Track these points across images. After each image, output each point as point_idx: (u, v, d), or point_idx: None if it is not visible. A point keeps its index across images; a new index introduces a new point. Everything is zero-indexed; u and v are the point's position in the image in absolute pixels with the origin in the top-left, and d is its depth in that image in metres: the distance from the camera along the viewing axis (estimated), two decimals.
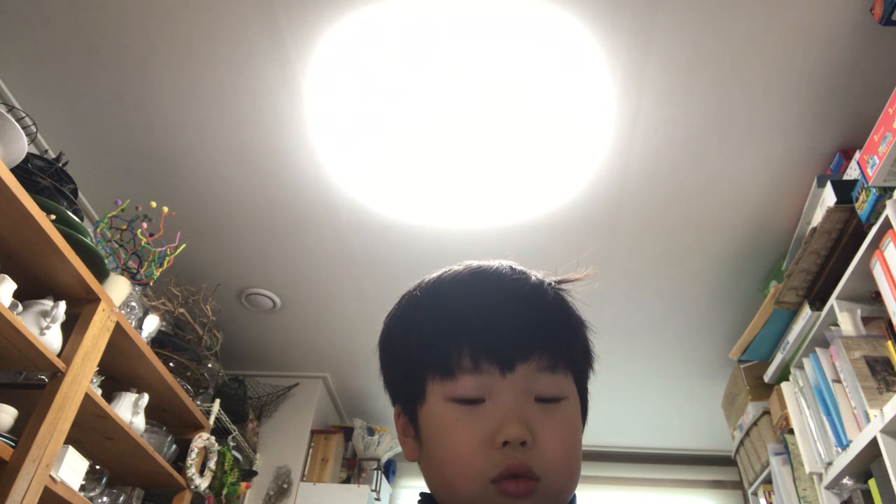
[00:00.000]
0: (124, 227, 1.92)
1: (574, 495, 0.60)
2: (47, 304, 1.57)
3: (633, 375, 2.96)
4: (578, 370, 0.62)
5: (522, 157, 1.97)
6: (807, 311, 1.85)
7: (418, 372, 0.60)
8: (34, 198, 1.48)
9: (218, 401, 2.52)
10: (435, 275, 0.65)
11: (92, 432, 1.82)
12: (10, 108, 1.78)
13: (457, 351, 0.58)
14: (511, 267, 0.63)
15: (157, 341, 2.19)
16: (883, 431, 1.44)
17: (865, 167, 1.47)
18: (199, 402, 2.40)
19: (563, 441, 0.57)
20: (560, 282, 0.64)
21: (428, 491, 0.61)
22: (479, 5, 1.58)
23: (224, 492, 2.47)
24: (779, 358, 2.07)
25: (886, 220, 1.45)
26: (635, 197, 2.07)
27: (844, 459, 1.61)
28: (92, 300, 1.69)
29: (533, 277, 0.62)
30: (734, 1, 1.54)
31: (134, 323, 2.00)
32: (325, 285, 2.57)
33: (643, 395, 3.12)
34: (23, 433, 1.46)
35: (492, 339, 0.58)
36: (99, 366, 1.71)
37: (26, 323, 1.48)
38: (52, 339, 1.55)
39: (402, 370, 0.64)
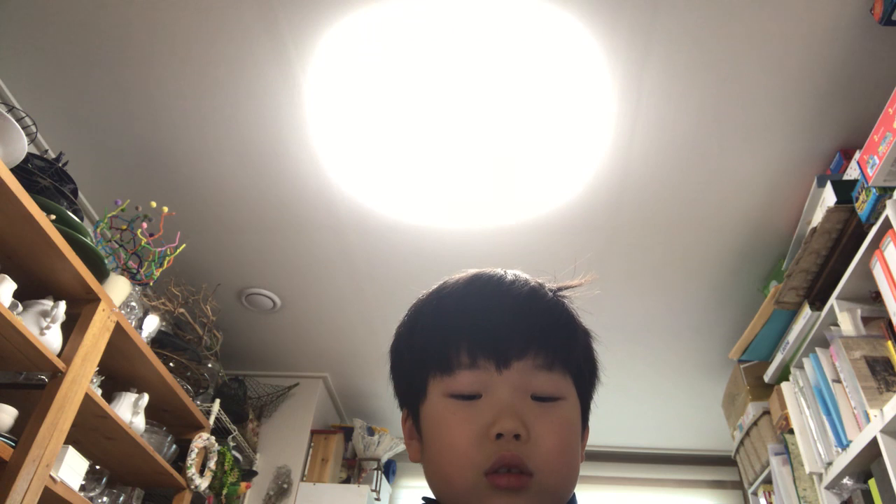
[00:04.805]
0: (124, 227, 1.92)
1: (574, 495, 0.60)
2: (47, 304, 1.57)
3: (633, 375, 2.96)
4: (578, 373, 0.63)
5: (522, 157, 1.97)
6: (807, 311, 1.85)
7: (420, 371, 0.62)
8: (34, 198, 1.48)
9: (218, 401, 2.52)
10: (440, 282, 0.67)
11: (92, 432, 1.82)
12: (10, 108, 1.78)
13: (455, 347, 0.59)
14: (512, 273, 0.65)
15: (157, 341, 2.20)
16: (883, 431, 1.44)
17: (865, 167, 1.47)
18: (199, 402, 2.40)
19: (558, 438, 0.57)
20: (560, 288, 0.66)
21: (430, 495, 0.61)
22: (479, 5, 1.58)
23: (224, 492, 2.47)
24: (779, 358, 2.07)
25: (886, 220, 1.45)
26: (635, 197, 2.07)
27: (844, 459, 1.61)
28: (92, 300, 1.69)
29: (532, 282, 0.64)
30: (734, 1, 1.54)
31: (134, 323, 2.00)
32: (325, 285, 2.57)
33: (643, 395, 3.13)
34: (23, 433, 1.47)
35: (488, 335, 0.59)
36: (99, 366, 1.71)
37: (26, 323, 1.48)
38: (52, 339, 1.55)
39: (406, 371, 0.66)
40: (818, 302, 1.82)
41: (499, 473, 0.55)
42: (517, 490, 0.54)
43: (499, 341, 0.59)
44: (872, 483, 1.55)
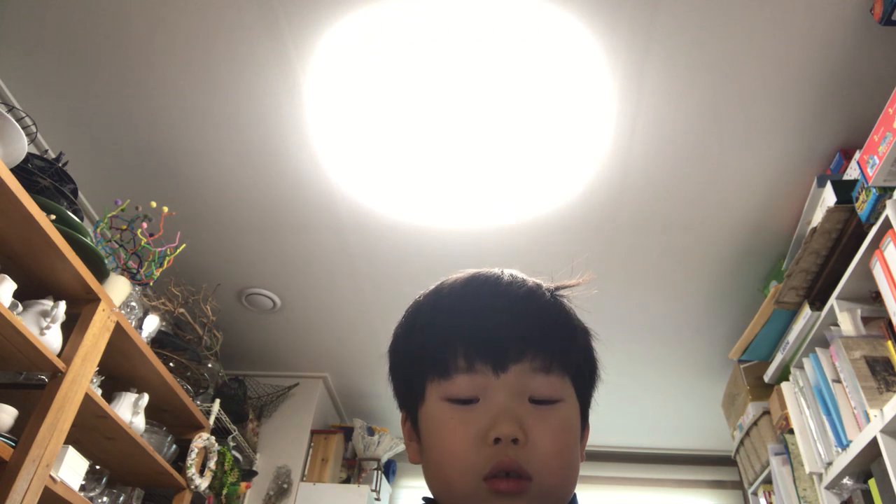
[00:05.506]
0: (124, 227, 1.92)
1: (574, 495, 0.60)
2: (47, 304, 1.57)
3: (633, 375, 2.96)
4: (576, 374, 0.62)
5: (522, 157, 1.97)
6: (807, 311, 1.85)
7: (418, 374, 0.62)
8: (34, 198, 1.48)
9: (218, 401, 2.52)
10: (437, 283, 0.67)
11: (92, 432, 1.82)
12: (10, 108, 1.78)
13: (452, 351, 0.59)
14: (509, 273, 0.64)
15: (157, 341, 2.20)
16: (883, 431, 1.44)
17: (865, 167, 1.47)
18: (199, 402, 2.40)
19: (557, 440, 0.57)
20: (558, 287, 0.65)
21: (430, 496, 0.61)
22: (479, 5, 1.58)
23: (224, 492, 2.47)
24: (779, 358, 2.07)
25: (886, 220, 1.45)
26: (635, 197, 2.07)
27: (844, 459, 1.61)
28: (92, 300, 1.69)
29: (530, 282, 0.64)
30: (734, 1, 1.54)
31: (134, 323, 2.00)
32: (325, 285, 2.57)
33: (643, 395, 3.13)
34: (23, 433, 1.46)
35: (486, 339, 0.59)
36: (99, 366, 1.71)
37: (26, 323, 1.48)
38: (52, 339, 1.55)
39: (404, 374, 0.66)
40: (818, 302, 1.82)
41: (498, 478, 0.54)
42: (517, 494, 0.54)
43: (496, 345, 0.58)
44: (872, 483, 1.55)
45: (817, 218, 1.84)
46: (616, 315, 2.58)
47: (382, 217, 2.22)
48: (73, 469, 1.65)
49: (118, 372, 1.99)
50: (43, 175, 1.65)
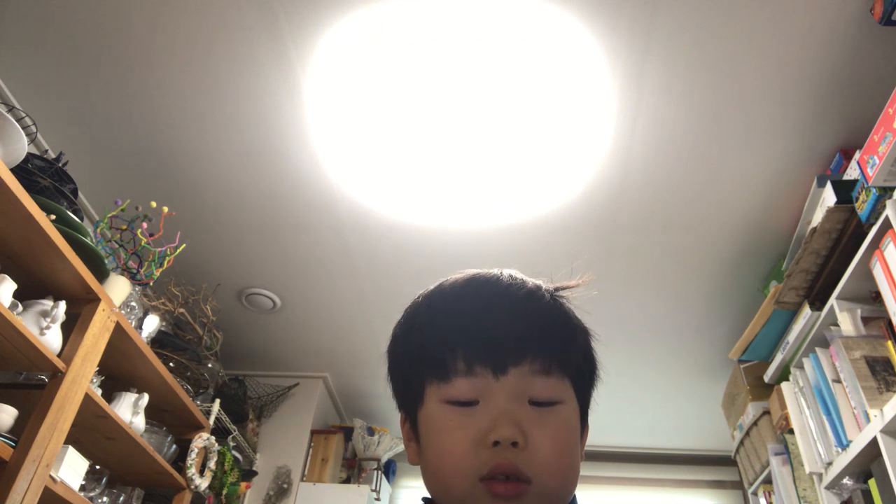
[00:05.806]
0: (124, 227, 1.92)
1: (574, 495, 0.60)
2: (47, 304, 1.57)
3: (633, 375, 2.96)
4: (576, 375, 0.62)
5: (522, 157, 1.97)
6: (807, 311, 1.85)
7: (417, 376, 0.61)
8: (34, 198, 1.48)
9: (218, 401, 2.52)
10: (437, 283, 0.66)
11: (92, 432, 1.82)
12: (10, 108, 1.78)
13: (451, 354, 0.59)
14: (509, 274, 0.64)
15: (157, 341, 2.20)
16: (883, 431, 1.44)
17: (865, 167, 1.47)
18: (199, 402, 2.40)
19: (557, 443, 0.57)
20: (558, 288, 0.64)
21: (429, 496, 0.61)
22: (479, 5, 1.58)
23: (224, 492, 2.47)
24: (779, 358, 2.07)
25: (886, 220, 1.45)
26: (635, 197, 2.07)
27: (844, 459, 1.61)
28: (92, 300, 1.69)
29: (529, 283, 0.63)
30: (734, 1, 1.54)
31: (134, 323, 2.00)
32: (325, 285, 2.57)
33: (643, 395, 3.13)
34: (23, 433, 1.47)
35: (485, 342, 0.58)
36: (99, 366, 1.71)
37: (26, 323, 1.48)
38: (52, 339, 1.55)
39: (403, 375, 0.65)
40: (818, 302, 1.82)
41: (496, 480, 0.54)
42: (515, 497, 0.54)
43: (496, 348, 0.58)
44: (872, 483, 1.55)
45: (817, 218, 1.84)
46: (616, 315, 2.58)
47: (382, 217, 2.22)
48: (73, 469, 1.65)
49: (118, 372, 1.99)
50: (43, 175, 1.65)
